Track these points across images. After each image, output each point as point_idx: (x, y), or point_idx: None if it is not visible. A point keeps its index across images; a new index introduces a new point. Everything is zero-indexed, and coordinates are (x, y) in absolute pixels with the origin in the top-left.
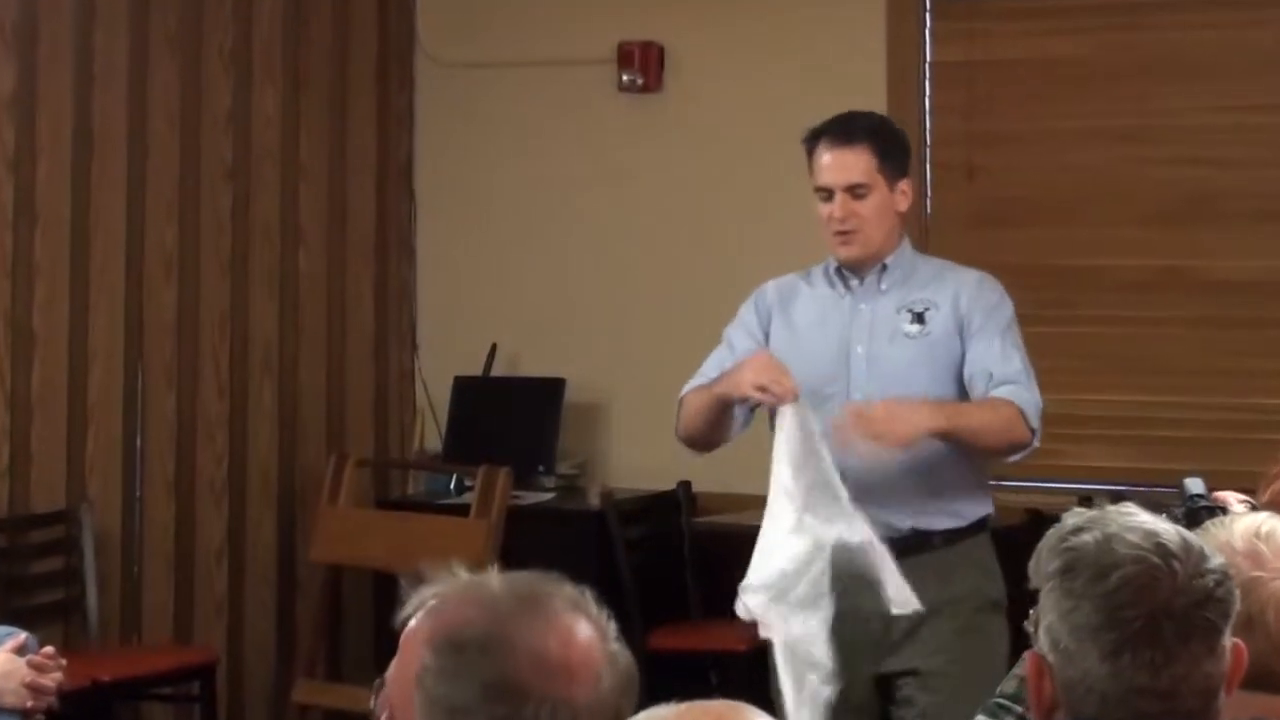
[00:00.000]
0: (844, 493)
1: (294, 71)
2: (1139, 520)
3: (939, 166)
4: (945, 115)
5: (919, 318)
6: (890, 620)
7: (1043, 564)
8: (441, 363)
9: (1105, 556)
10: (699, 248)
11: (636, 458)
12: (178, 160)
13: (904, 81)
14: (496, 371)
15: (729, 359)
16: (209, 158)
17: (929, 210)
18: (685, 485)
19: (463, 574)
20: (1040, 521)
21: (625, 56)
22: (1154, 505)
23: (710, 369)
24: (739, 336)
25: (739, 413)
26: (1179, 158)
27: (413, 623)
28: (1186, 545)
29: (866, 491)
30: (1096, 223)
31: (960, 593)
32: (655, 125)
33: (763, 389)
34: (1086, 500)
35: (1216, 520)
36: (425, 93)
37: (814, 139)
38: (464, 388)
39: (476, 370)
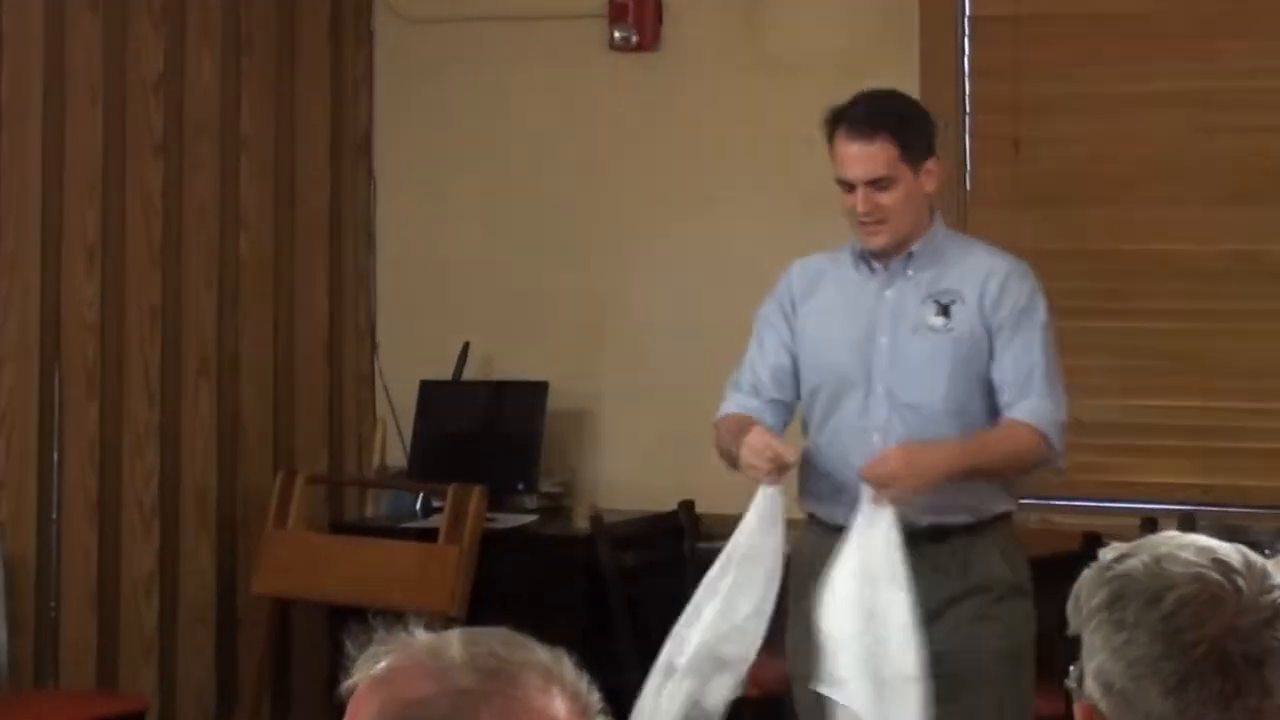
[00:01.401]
0: (763, 607)
1: (234, 30)
2: (1190, 538)
3: (980, 137)
4: (987, 78)
5: (944, 310)
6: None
7: (1084, 600)
8: (405, 365)
9: (1157, 579)
10: (701, 230)
11: (631, 474)
12: (100, 134)
13: (939, 39)
14: (469, 374)
15: (759, 358)
16: (135, 130)
17: (968, 186)
18: (688, 505)
19: (419, 634)
20: (1098, 547)
21: (617, 10)
22: (1229, 530)
23: (745, 375)
24: (768, 333)
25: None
26: (1252, 125)
27: (359, 691)
28: (1248, 560)
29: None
30: (1159, 201)
31: (981, 580)
32: (652, 89)
33: (754, 468)
34: (1150, 523)
35: None
36: (385, 53)
37: (833, 124)
38: (432, 393)
39: (446, 373)
